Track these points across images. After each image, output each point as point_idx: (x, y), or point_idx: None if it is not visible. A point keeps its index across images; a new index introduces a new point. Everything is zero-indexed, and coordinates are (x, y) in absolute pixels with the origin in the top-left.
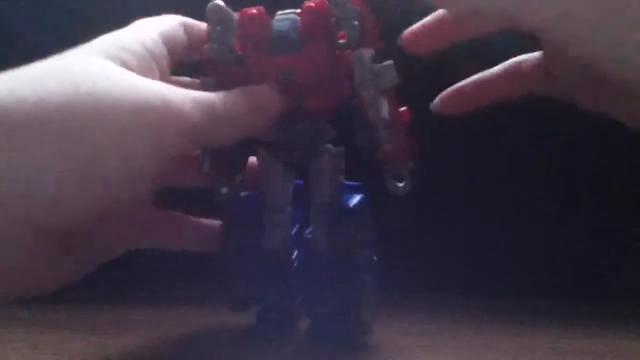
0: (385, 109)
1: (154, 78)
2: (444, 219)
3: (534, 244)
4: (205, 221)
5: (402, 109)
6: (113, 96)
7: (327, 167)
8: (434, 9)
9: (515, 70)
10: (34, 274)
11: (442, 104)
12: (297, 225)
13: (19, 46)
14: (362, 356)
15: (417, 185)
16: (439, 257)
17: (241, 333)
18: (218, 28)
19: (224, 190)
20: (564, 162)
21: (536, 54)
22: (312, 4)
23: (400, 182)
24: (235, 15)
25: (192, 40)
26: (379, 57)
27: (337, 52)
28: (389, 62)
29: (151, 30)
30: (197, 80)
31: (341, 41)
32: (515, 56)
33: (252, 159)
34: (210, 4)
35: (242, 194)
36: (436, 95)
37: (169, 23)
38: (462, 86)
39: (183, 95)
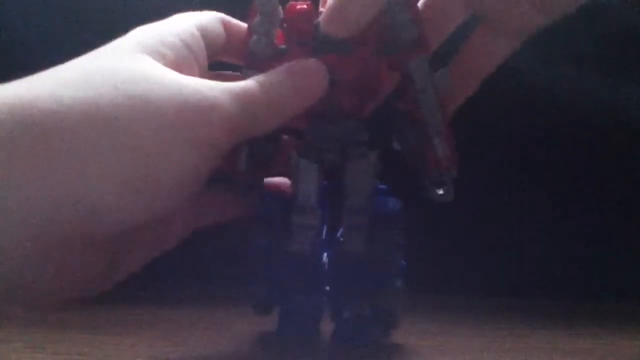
0: (440, 116)
1: (192, 72)
2: (443, 219)
3: (534, 244)
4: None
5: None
6: (154, 97)
7: (363, 170)
8: None
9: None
10: (84, 279)
11: None
12: (325, 228)
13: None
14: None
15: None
16: (439, 257)
17: (250, 334)
18: (265, 20)
19: (251, 186)
20: (564, 161)
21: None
22: None
23: (441, 189)
24: (280, 8)
25: (231, 38)
26: None
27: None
28: (445, 69)
29: (190, 24)
30: (237, 74)
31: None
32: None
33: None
34: None
35: (266, 194)
36: None
37: (207, 18)
38: None
39: (221, 90)
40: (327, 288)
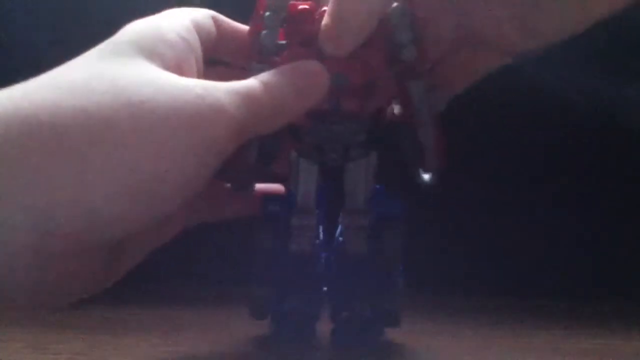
0: (432, 132)
1: (191, 69)
2: (443, 219)
3: (534, 244)
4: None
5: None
6: (157, 103)
7: (363, 170)
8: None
9: None
10: (84, 282)
11: None
12: (322, 228)
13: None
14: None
15: (415, 184)
16: (439, 257)
17: (250, 334)
18: (275, 15)
19: (247, 182)
20: (564, 161)
21: None
22: None
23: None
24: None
25: (222, 36)
26: None
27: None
28: (442, 89)
29: (185, 19)
30: (230, 69)
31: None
32: None
33: None
34: None
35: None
36: None
37: (200, 14)
38: None
39: (224, 92)
40: (325, 289)
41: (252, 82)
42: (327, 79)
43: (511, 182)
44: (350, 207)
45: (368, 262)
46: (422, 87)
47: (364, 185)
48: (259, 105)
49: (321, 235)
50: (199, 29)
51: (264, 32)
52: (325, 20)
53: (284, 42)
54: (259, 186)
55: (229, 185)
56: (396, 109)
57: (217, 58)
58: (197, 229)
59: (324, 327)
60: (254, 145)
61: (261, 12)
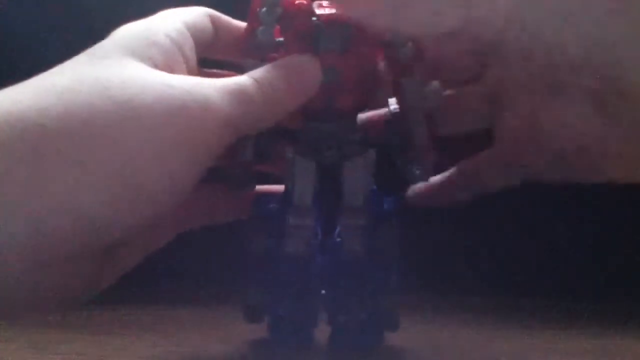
0: (424, 131)
1: (180, 71)
2: (443, 219)
3: (534, 244)
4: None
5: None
6: (143, 101)
7: (360, 168)
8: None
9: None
10: (78, 287)
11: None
12: (320, 230)
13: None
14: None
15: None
16: (439, 257)
17: (250, 335)
18: (271, 11)
19: (245, 178)
20: None
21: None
22: None
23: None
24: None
25: (219, 34)
26: None
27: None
28: (436, 83)
29: (176, 20)
30: (226, 72)
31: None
32: None
33: None
34: None
35: (262, 195)
36: None
37: (196, 13)
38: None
39: (214, 88)
40: (323, 292)
41: (243, 79)
42: (320, 73)
43: None
44: (348, 205)
45: (365, 263)
46: (416, 85)
47: (362, 184)
48: (250, 102)
49: (319, 236)
50: (193, 29)
51: (260, 28)
52: None
53: (280, 39)
54: (260, 187)
55: (224, 186)
56: (392, 105)
57: (215, 57)
58: (197, 231)
59: (321, 331)
60: (249, 143)
61: (257, 9)
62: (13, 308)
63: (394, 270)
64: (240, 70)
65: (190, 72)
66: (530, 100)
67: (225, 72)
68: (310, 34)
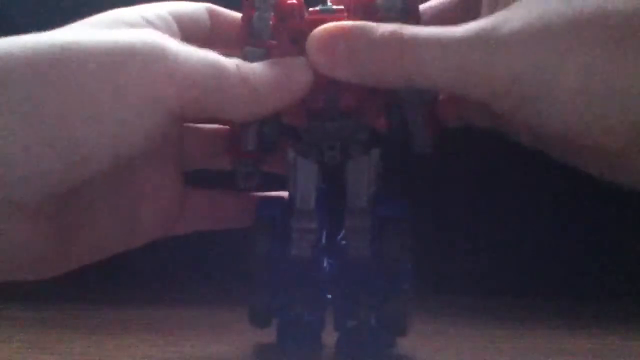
0: (422, 122)
1: None
2: (443, 219)
3: (534, 243)
4: (244, 195)
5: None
6: (90, 41)
7: (364, 169)
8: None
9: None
10: (29, 254)
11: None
12: (325, 232)
13: None
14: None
15: (415, 184)
16: (439, 257)
17: (250, 335)
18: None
19: (250, 172)
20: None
21: None
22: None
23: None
24: None
25: (218, 26)
26: None
27: None
28: None
29: (160, 8)
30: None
31: None
32: None
33: None
34: None
35: (265, 198)
36: None
37: (189, 6)
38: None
39: (184, 49)
40: (329, 296)
41: (225, 59)
42: (310, 78)
43: (511, 181)
44: (352, 207)
45: (371, 267)
46: None
47: (366, 184)
48: (224, 79)
49: (323, 239)
50: (180, 18)
51: (255, 14)
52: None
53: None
54: (263, 194)
55: (227, 192)
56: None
57: (215, 49)
58: (197, 231)
59: (329, 336)
60: (252, 132)
61: None
62: None
63: (403, 274)
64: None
65: None
66: None
67: None
68: (303, 34)
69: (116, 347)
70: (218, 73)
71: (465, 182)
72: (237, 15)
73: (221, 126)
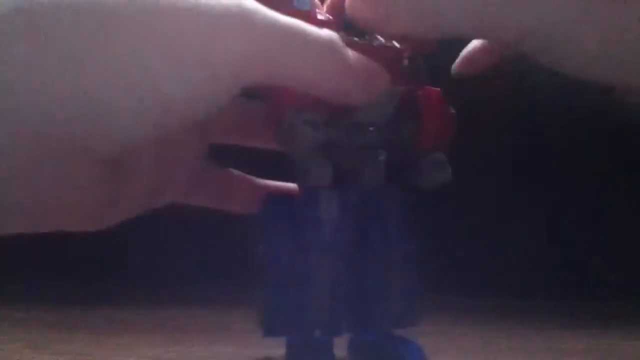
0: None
1: None
2: (443, 219)
3: (534, 244)
4: (266, 183)
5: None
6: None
7: (381, 174)
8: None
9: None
10: (83, 203)
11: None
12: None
13: None
14: None
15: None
16: (439, 257)
17: (250, 335)
18: None
19: (320, 170)
20: (564, 162)
21: None
22: None
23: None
24: None
25: None
26: None
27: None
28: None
29: None
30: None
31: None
32: None
33: None
34: None
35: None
36: None
37: None
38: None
39: (281, 19)
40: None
41: (322, 32)
42: (385, 83)
43: (512, 182)
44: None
45: (384, 278)
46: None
47: (378, 182)
48: (328, 56)
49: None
50: None
51: None
52: None
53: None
54: (274, 184)
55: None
56: None
57: None
58: (197, 231)
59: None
60: None
61: None
62: (11, 220)
63: (411, 281)
64: None
65: None
66: None
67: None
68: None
69: (116, 347)
70: (303, 46)
71: (465, 182)
72: None
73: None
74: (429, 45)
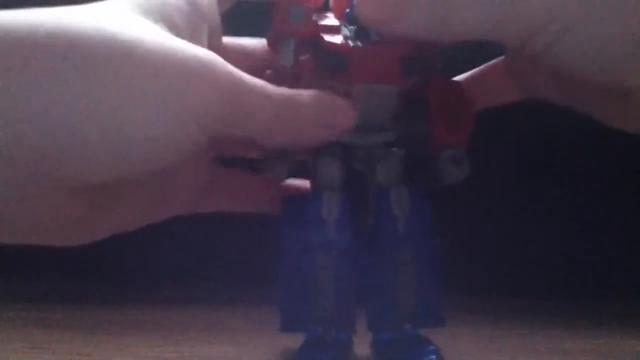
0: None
1: (201, 39)
2: (443, 219)
3: (534, 243)
4: (266, 180)
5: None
6: (141, 47)
7: (397, 172)
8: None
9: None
10: (61, 225)
11: None
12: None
13: None
14: None
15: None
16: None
17: (251, 335)
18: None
19: (279, 167)
20: (564, 161)
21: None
22: None
23: (454, 165)
24: None
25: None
26: None
27: None
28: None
29: None
30: (255, 40)
31: None
32: None
33: None
34: None
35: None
36: None
37: None
38: None
39: (224, 64)
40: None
41: (272, 88)
42: (350, 123)
43: (512, 181)
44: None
45: (407, 274)
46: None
47: (393, 182)
48: (269, 112)
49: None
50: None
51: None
52: None
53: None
54: (287, 183)
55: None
56: None
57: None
58: (197, 230)
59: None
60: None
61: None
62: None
63: (433, 281)
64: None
65: (212, 42)
66: None
67: (253, 41)
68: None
69: (116, 347)
70: (263, 102)
71: (465, 182)
72: None
73: None
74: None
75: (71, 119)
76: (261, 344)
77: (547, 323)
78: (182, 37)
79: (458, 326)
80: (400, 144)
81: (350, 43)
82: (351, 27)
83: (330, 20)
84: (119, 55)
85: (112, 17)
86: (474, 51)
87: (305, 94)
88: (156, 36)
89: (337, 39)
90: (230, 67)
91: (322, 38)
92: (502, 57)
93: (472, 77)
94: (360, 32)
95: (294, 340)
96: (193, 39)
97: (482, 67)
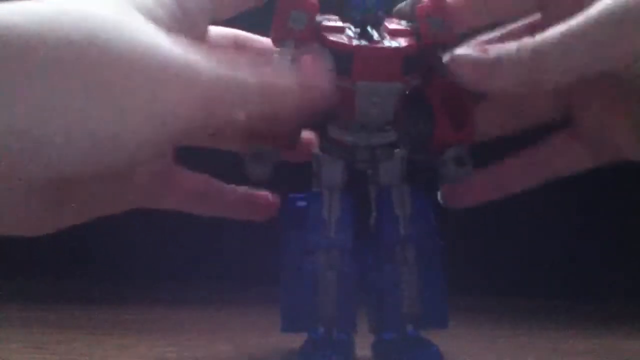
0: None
1: (182, 32)
2: (444, 219)
3: (534, 243)
4: (233, 188)
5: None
6: (127, 54)
7: (399, 171)
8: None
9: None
10: (21, 216)
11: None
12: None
13: None
14: None
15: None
16: None
17: (250, 335)
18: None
19: (260, 168)
20: None
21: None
22: None
23: (461, 166)
24: None
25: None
26: None
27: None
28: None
29: None
30: (242, 32)
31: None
32: None
33: None
34: None
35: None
36: None
37: None
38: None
39: (208, 62)
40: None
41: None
42: (329, 89)
43: None
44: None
45: (408, 274)
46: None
47: (395, 183)
48: (249, 104)
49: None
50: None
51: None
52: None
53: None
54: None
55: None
56: None
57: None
58: (197, 230)
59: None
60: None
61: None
62: None
63: (436, 282)
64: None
65: (197, 35)
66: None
67: (239, 32)
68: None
69: (116, 347)
70: (243, 97)
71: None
72: None
73: None
74: (450, 39)
75: (35, 121)
76: (261, 344)
77: (547, 323)
78: (162, 28)
79: (458, 326)
80: (402, 144)
81: (354, 42)
82: (355, 29)
83: (334, 21)
84: (92, 55)
85: (92, 11)
86: None
87: (281, 67)
88: (134, 32)
89: (341, 38)
90: (208, 66)
91: (326, 37)
92: (557, 132)
93: (530, 154)
94: (364, 33)
95: (295, 341)
96: (173, 30)
97: (536, 146)
